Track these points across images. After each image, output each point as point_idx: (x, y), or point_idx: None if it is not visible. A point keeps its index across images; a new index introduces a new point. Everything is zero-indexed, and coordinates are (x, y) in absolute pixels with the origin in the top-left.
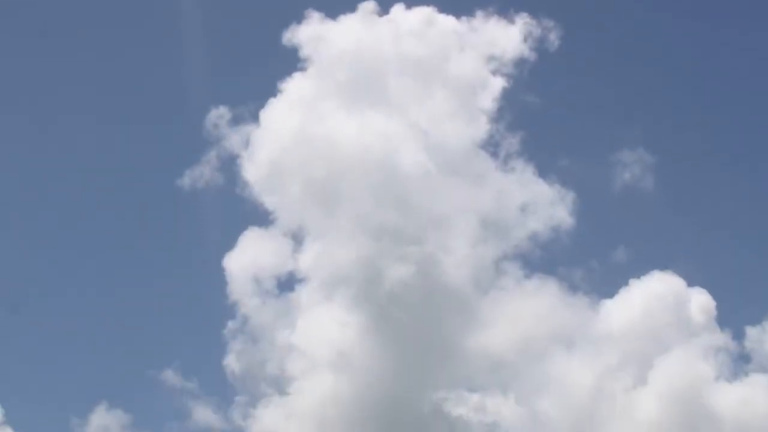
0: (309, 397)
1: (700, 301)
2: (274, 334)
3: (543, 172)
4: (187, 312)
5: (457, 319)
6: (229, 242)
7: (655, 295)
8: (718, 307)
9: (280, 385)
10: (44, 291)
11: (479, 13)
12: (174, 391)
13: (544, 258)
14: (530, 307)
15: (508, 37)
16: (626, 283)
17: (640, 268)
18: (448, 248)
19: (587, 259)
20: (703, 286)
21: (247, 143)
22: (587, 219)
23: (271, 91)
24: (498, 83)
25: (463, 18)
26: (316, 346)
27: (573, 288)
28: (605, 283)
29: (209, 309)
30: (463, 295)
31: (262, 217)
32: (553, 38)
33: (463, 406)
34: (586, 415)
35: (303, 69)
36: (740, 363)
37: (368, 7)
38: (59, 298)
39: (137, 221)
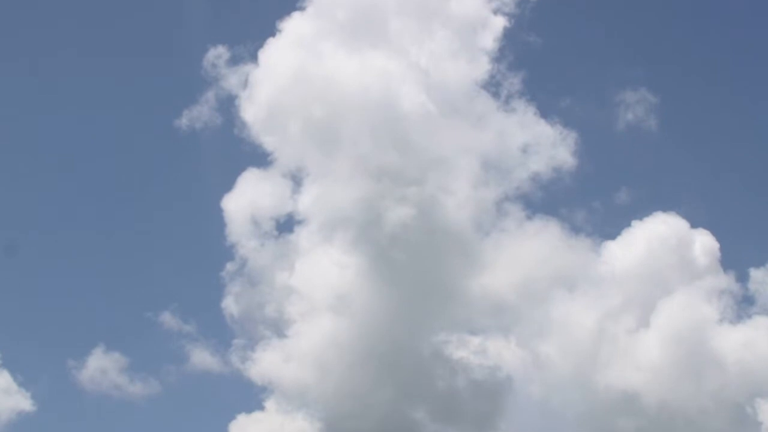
0: (308, 340)
1: (704, 243)
2: (272, 276)
3: (545, 112)
4: (185, 254)
5: (458, 261)
6: (227, 183)
7: (658, 236)
8: (722, 249)
9: (279, 328)
10: (41, 232)
11: None
12: (172, 333)
13: (546, 199)
14: (532, 249)
15: None
16: (629, 225)
17: (642, 210)
18: (448, 189)
19: (589, 201)
20: (706, 227)
21: (245, 83)
22: (589, 160)
23: (270, 31)
24: (499, 23)
25: None
26: (315, 288)
27: (575, 229)
28: (608, 225)
29: (207, 251)
30: (463, 237)
31: (260, 158)
32: None
33: (463, 349)
34: (588, 357)
35: (302, 8)
36: (744, 305)
37: None
38: (56, 239)
39: (135, 162)
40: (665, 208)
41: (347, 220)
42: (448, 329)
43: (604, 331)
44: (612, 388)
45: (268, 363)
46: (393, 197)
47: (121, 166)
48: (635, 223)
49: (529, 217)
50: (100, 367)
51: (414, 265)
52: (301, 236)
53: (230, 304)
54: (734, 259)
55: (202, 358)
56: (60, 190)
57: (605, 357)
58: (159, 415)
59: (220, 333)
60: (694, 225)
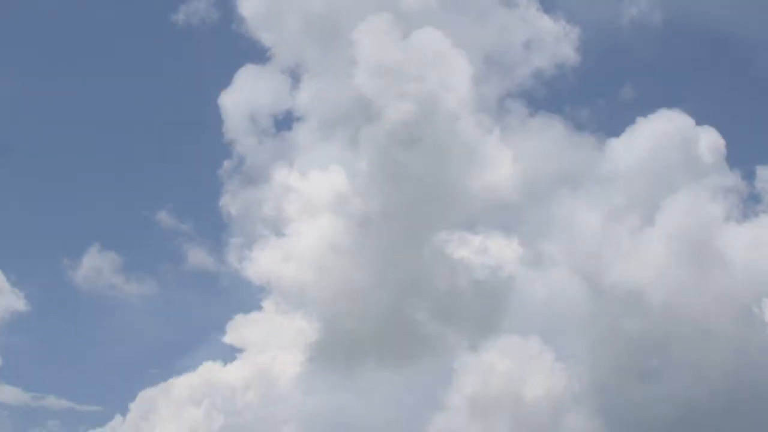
0: (307, 239)
1: (710, 140)
2: (270, 174)
3: (547, 7)
4: (182, 152)
5: (459, 159)
6: (224, 80)
7: (663, 133)
8: (728, 146)
9: (277, 227)
10: (35, 129)
11: None
12: (168, 232)
13: (549, 96)
14: (535, 147)
15: None
16: (633, 122)
17: (647, 106)
18: (449, 86)
19: (593, 97)
20: (712, 124)
21: None
22: (593, 55)
23: None
24: None
25: None
26: (313, 187)
27: (579, 126)
28: (612, 122)
29: (204, 149)
30: (465, 135)
31: (258, 54)
32: None
33: (465, 248)
34: (591, 256)
35: None
36: (750, 203)
37: None
38: (51, 137)
39: (130, 59)
40: (670, 104)
41: (347, 117)
42: (448, 228)
43: (608, 230)
44: (616, 288)
45: (265, 263)
46: (393, 94)
47: (116, 62)
48: (640, 120)
49: (531, 114)
50: (95, 267)
51: (414, 164)
52: (300, 133)
53: (227, 203)
54: (740, 156)
55: (198, 257)
56: (55, 88)
57: (609, 256)
58: (155, 315)
59: (218, 232)
60: (699, 122)
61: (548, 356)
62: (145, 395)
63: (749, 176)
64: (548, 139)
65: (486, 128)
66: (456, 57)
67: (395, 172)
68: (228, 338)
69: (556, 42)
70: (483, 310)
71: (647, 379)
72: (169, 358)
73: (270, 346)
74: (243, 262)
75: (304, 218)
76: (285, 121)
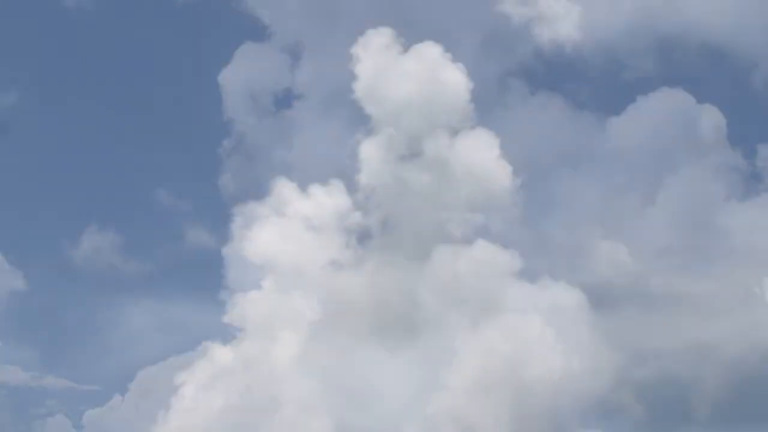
0: (307, 216)
1: (711, 118)
2: (270, 152)
3: None
4: (180, 130)
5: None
6: (223, 57)
7: (663, 111)
8: (729, 125)
9: (277, 206)
10: (33, 109)
11: None
12: (167, 212)
13: (549, 74)
14: (535, 125)
15: None
16: (634, 100)
17: (648, 85)
18: (448, 64)
19: (594, 75)
20: (713, 102)
21: None
22: (594, 34)
23: None
24: None
25: None
26: (313, 164)
27: (579, 105)
28: (612, 100)
29: (203, 127)
30: (465, 112)
31: (258, 31)
32: None
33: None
34: (592, 236)
35: None
36: (752, 182)
37: None
38: (49, 116)
39: (129, 36)
40: (671, 83)
41: (346, 94)
42: (449, 209)
43: (609, 209)
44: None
45: (265, 241)
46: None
47: (115, 39)
48: (640, 99)
49: (532, 93)
50: (94, 246)
51: (414, 141)
52: (299, 112)
53: (227, 182)
54: (741, 135)
55: (198, 237)
56: (53, 67)
57: (611, 236)
58: (154, 294)
59: (217, 212)
60: (700, 100)
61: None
62: (144, 375)
63: (750, 154)
64: (548, 117)
65: (487, 106)
66: (456, 33)
67: (394, 149)
68: (227, 318)
69: (557, 20)
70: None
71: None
72: (168, 338)
73: (270, 326)
74: (242, 241)
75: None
76: (284, 100)
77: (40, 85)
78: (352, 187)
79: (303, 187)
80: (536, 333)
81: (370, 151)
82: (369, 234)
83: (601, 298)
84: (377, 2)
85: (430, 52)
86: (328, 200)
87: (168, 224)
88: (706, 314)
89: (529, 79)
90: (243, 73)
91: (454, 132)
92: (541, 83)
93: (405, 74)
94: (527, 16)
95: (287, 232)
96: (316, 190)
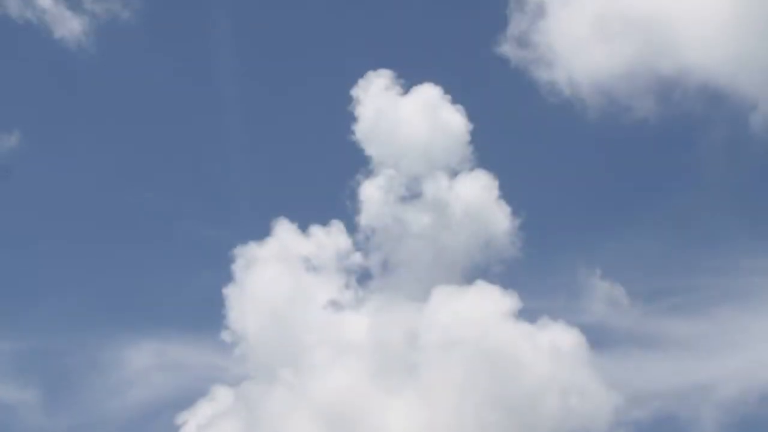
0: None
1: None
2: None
3: None
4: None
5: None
6: None
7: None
8: None
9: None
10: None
11: None
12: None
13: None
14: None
15: None
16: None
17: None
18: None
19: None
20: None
21: None
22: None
23: None
24: None
25: None
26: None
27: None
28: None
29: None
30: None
31: None
32: None
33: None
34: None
35: None
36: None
37: None
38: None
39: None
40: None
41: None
42: None
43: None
44: None
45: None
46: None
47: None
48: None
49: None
50: None
51: None
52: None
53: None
54: None
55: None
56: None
57: None
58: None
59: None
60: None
61: None
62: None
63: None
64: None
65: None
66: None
67: None
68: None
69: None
70: None
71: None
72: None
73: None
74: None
75: None
76: None
77: (42, 127)
78: (352, 228)
79: (303, 227)
80: (535, 373)
81: (371, 192)
82: (369, 274)
83: (600, 339)
84: (377, 44)
85: (429, 93)
86: (328, 241)
87: (169, 264)
88: (705, 355)
89: (527, 120)
90: None
91: (454, 173)
92: (539, 124)
93: (405, 116)
94: (526, 59)
95: (287, 272)
96: (316, 230)
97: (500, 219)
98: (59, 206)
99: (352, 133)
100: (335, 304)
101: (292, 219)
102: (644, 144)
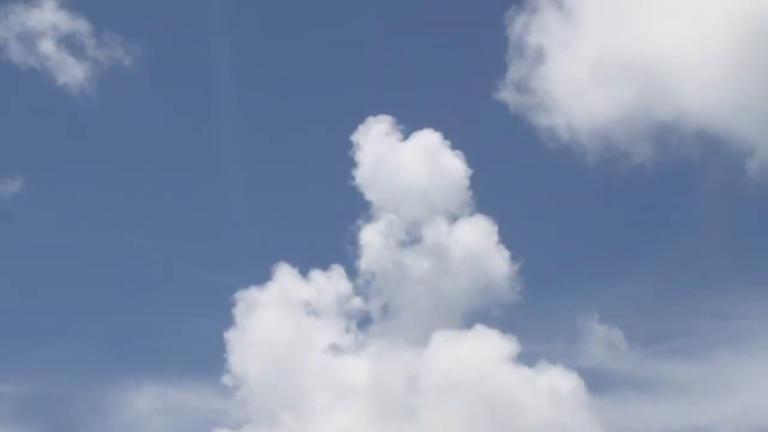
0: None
1: None
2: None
3: None
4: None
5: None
6: None
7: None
8: None
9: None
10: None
11: None
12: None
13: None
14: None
15: None
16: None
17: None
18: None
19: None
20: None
21: None
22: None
23: None
24: None
25: None
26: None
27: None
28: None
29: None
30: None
31: None
32: None
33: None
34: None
35: None
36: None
37: None
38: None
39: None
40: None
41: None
42: None
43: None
44: None
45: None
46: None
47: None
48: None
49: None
50: None
51: None
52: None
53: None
54: None
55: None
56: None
57: None
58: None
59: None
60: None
61: None
62: None
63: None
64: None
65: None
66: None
67: None
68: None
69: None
70: None
71: None
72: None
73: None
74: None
75: None
76: None
77: (45, 172)
78: (352, 273)
79: (304, 272)
80: (534, 417)
81: (371, 237)
82: (369, 319)
83: (598, 382)
84: (377, 90)
85: (429, 139)
86: (328, 285)
87: (170, 309)
88: (703, 398)
89: (526, 165)
90: None
91: (453, 218)
92: (538, 169)
93: (405, 161)
94: (525, 105)
95: (288, 316)
96: (316, 275)
97: (499, 264)
98: (62, 251)
99: (353, 178)
100: (335, 348)
101: (293, 264)
102: (642, 189)
